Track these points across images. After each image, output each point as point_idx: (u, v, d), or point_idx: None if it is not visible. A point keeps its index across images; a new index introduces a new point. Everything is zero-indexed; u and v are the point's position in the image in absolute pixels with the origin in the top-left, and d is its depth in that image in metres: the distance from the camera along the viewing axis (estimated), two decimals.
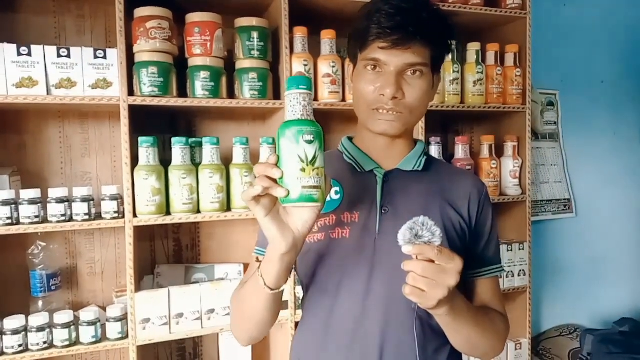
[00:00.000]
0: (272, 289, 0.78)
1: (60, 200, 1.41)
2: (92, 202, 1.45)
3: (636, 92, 2.57)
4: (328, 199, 0.90)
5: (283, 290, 0.81)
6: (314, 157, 0.70)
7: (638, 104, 2.58)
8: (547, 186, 2.34)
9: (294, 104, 0.71)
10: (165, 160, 1.54)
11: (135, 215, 1.46)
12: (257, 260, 0.83)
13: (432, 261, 0.72)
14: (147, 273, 1.71)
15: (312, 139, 0.70)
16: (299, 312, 1.61)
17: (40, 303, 1.51)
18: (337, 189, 0.91)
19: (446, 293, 0.72)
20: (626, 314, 2.58)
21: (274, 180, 0.69)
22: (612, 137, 2.53)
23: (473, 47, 1.86)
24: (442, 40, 0.88)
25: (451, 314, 0.78)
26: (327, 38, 1.67)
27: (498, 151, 1.97)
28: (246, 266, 1.75)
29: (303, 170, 0.69)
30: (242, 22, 1.58)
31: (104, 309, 1.54)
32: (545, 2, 2.28)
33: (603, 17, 2.44)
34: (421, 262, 0.72)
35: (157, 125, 1.71)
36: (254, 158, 1.65)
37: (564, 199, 2.38)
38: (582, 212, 2.45)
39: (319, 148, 0.71)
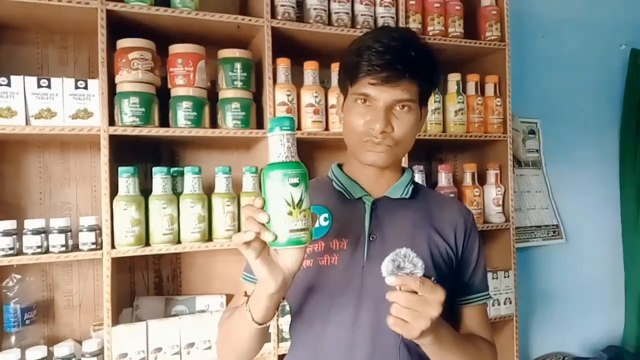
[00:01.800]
0: (259, 324, 0.80)
1: (36, 232, 1.38)
2: (69, 233, 1.42)
3: (615, 120, 2.63)
4: (317, 225, 0.91)
5: (270, 324, 0.82)
6: (300, 200, 0.71)
7: (617, 132, 2.63)
8: (534, 212, 2.35)
9: (277, 145, 0.71)
10: (148, 190, 1.52)
11: (113, 247, 1.43)
12: (245, 294, 0.84)
13: (416, 292, 0.73)
14: (126, 305, 1.67)
15: (298, 182, 0.70)
16: (282, 344, 1.58)
17: (13, 338, 1.46)
18: (326, 215, 0.92)
19: (429, 324, 0.73)
20: (614, 341, 2.56)
21: (262, 224, 0.70)
22: (595, 163, 2.56)
23: (454, 78, 1.90)
24: (430, 77, 0.91)
25: (436, 343, 0.79)
26: (310, 69, 1.69)
27: (481, 179, 1.99)
28: (229, 297, 1.72)
29: (290, 213, 0.70)
30: (225, 53, 1.60)
31: (81, 343, 1.49)
32: (525, 34, 2.35)
33: (580, 49, 2.52)
34: (404, 294, 0.73)
35: (140, 154, 1.70)
36: (236, 187, 1.65)
37: (553, 225, 2.40)
38: (572, 238, 2.46)
39: (304, 190, 0.71)
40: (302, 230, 0.71)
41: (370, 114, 0.87)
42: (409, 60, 0.85)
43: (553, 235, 2.39)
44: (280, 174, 0.70)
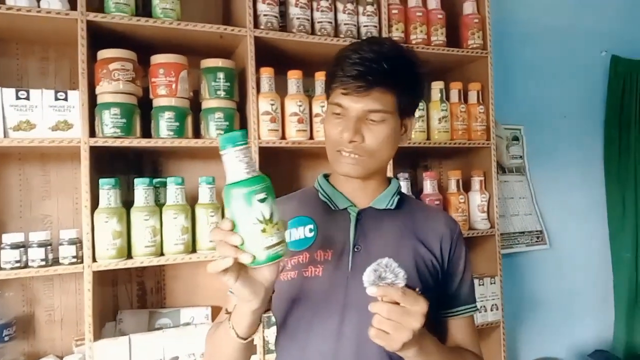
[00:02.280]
0: (244, 339, 0.79)
1: (15, 246, 1.35)
2: (49, 247, 1.40)
3: (597, 126, 2.67)
4: (302, 236, 0.91)
5: (255, 337, 0.82)
6: (271, 214, 0.69)
7: (599, 138, 2.66)
8: (517, 218, 2.37)
9: (235, 163, 0.68)
10: (131, 201, 1.50)
11: (94, 260, 1.41)
12: (227, 312, 0.83)
13: (398, 303, 0.72)
14: (109, 319, 1.64)
15: (265, 196, 0.68)
16: (268, 356, 1.57)
17: None
18: (311, 226, 0.92)
19: (411, 336, 0.72)
20: (603, 346, 2.58)
21: (236, 246, 0.68)
22: (578, 170, 2.59)
23: (437, 86, 1.91)
24: (408, 86, 0.91)
25: (420, 355, 0.78)
26: (294, 78, 1.69)
27: (466, 186, 2.00)
28: (214, 308, 1.70)
29: (264, 230, 0.68)
30: (208, 63, 1.59)
31: (62, 358, 1.46)
32: (507, 42, 2.37)
33: (561, 55, 2.55)
34: (386, 304, 0.73)
35: (123, 165, 1.68)
36: (220, 197, 1.63)
37: (536, 231, 2.41)
38: (556, 243, 2.48)
39: (273, 202, 0.69)
40: (278, 244, 0.69)
41: (342, 124, 0.88)
42: (381, 71, 0.86)
43: (537, 241, 2.41)
44: (245, 192, 0.67)
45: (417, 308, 0.72)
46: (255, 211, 0.67)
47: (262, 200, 0.68)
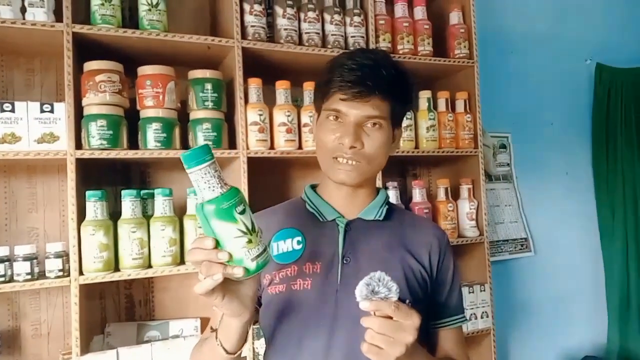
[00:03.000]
0: (233, 353, 0.78)
1: None
2: (35, 260, 1.38)
3: (584, 133, 2.70)
4: (290, 249, 0.90)
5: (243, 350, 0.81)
6: (252, 224, 0.69)
7: (587, 145, 2.69)
8: (502, 226, 2.38)
9: (207, 179, 0.66)
10: (118, 213, 1.49)
11: (81, 273, 1.39)
12: (212, 329, 0.82)
13: (390, 317, 0.72)
14: (97, 333, 1.62)
15: (244, 207, 0.68)
16: None
17: None
18: (299, 238, 0.91)
19: (404, 350, 0.72)
20: (594, 351, 2.59)
21: (221, 263, 0.67)
22: (565, 177, 2.62)
23: (424, 95, 1.93)
24: (401, 96, 0.92)
25: None
26: (282, 88, 1.70)
27: (455, 194, 2.01)
28: (203, 320, 1.69)
29: (250, 241, 0.67)
30: (195, 74, 1.59)
31: None
32: (494, 51, 2.40)
33: (547, 64, 2.59)
34: (378, 319, 0.72)
35: (110, 177, 1.67)
36: None
37: (521, 238, 2.43)
38: (541, 251, 2.49)
39: (250, 211, 0.70)
40: (264, 251, 0.70)
41: (341, 130, 0.88)
42: (379, 78, 0.86)
43: (521, 249, 2.42)
44: (225, 207, 0.66)
45: (410, 322, 0.72)
46: (239, 224, 0.67)
47: (242, 212, 0.68)
